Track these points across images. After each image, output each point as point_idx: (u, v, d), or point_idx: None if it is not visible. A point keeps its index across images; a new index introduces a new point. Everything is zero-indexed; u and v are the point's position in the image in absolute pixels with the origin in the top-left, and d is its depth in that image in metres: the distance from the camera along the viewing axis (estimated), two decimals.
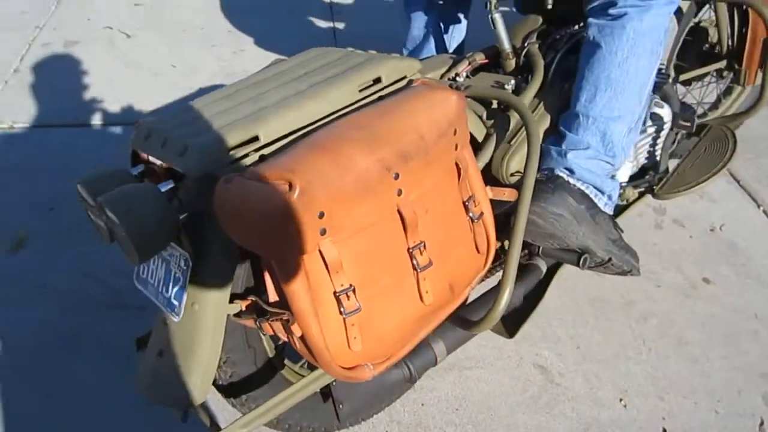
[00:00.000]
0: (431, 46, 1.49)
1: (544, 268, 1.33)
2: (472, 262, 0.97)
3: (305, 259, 0.77)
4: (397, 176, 0.81)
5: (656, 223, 1.82)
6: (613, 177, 1.23)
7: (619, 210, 1.57)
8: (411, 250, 0.86)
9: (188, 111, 0.90)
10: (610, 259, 1.18)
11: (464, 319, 1.06)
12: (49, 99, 2.16)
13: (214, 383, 1.01)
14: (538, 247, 1.23)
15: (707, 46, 1.83)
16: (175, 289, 0.86)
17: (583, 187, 1.15)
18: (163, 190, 0.81)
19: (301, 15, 2.83)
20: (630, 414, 1.32)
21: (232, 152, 0.81)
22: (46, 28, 2.60)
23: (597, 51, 1.17)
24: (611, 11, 1.17)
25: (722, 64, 1.79)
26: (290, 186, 0.72)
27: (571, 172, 1.15)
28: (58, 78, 2.28)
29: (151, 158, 0.86)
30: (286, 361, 1.10)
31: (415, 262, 0.86)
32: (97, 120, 2.06)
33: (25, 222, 1.68)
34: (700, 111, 1.94)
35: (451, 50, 1.53)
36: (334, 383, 1.03)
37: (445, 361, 1.37)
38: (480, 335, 1.42)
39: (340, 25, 2.77)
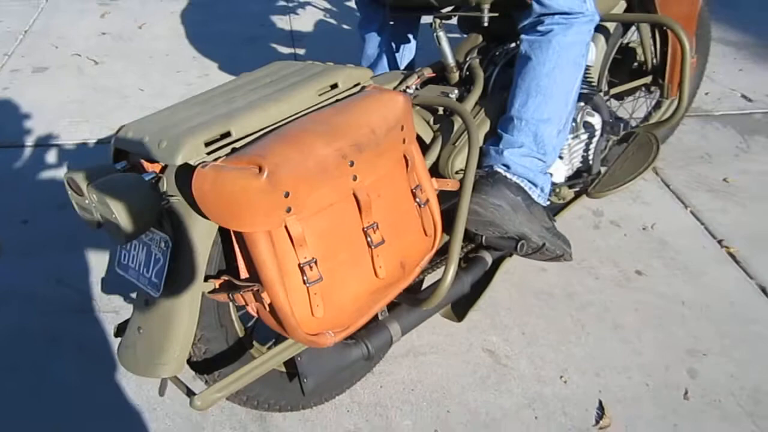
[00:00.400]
0: (384, 63, 1.64)
1: (489, 260, 1.47)
2: (421, 243, 1.10)
3: (273, 234, 0.89)
4: (352, 164, 0.94)
5: (595, 224, 1.98)
6: (545, 172, 1.38)
7: (559, 208, 1.73)
8: (365, 229, 0.99)
9: (166, 113, 1.02)
10: (544, 245, 1.32)
11: (415, 298, 1.19)
12: (20, 120, 2.25)
13: (189, 360, 1.11)
14: (482, 237, 1.36)
15: (636, 64, 2.02)
16: (156, 268, 0.97)
17: (518, 181, 1.30)
18: (146, 179, 0.93)
19: (263, 42, 2.97)
20: (570, 389, 1.46)
21: (207, 146, 0.93)
22: (15, 55, 2.68)
23: (528, 63, 1.34)
24: (539, 28, 1.34)
25: (648, 79, 1.98)
26: (260, 169, 0.85)
27: (507, 167, 1.30)
28: (28, 100, 2.37)
29: (132, 154, 0.98)
30: (254, 342, 1.21)
31: (369, 239, 0.99)
32: (68, 139, 2.15)
33: (0, 234, 1.75)
34: (634, 123, 2.14)
35: (402, 67, 1.68)
36: (299, 358, 1.13)
37: (402, 348, 1.50)
38: (433, 323, 1.56)
39: (301, 51, 2.92)
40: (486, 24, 1.36)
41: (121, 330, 1.13)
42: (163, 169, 0.97)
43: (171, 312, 0.98)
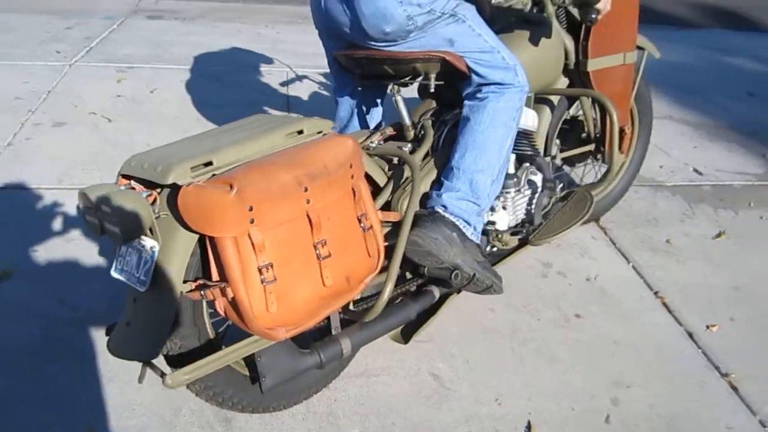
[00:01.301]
0: (355, 123, 1.92)
1: (437, 294, 1.70)
2: (365, 261, 1.33)
3: (238, 240, 1.12)
4: (306, 189, 1.19)
5: (543, 274, 2.21)
6: (479, 215, 1.62)
7: (505, 254, 1.97)
8: (316, 244, 1.22)
9: (163, 148, 1.28)
10: (474, 275, 1.55)
11: (359, 312, 1.41)
12: (38, 166, 2.52)
13: (166, 355, 1.32)
14: (425, 268, 1.59)
15: (584, 134, 2.31)
16: (144, 269, 1.20)
17: (454, 220, 1.54)
18: (143, 195, 1.17)
19: (260, 107, 3.29)
20: (503, 410, 1.64)
21: (192, 170, 1.18)
22: (38, 111, 2.99)
23: (468, 123, 1.61)
24: (478, 95, 1.62)
25: (591, 147, 2.26)
26: (231, 187, 1.10)
27: (445, 208, 1.55)
28: (47, 150, 2.65)
29: (134, 178, 1.23)
30: (223, 345, 1.41)
31: (318, 252, 1.23)
32: (80, 183, 2.41)
33: (13, 261, 1.99)
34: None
35: (371, 126, 1.96)
36: (259, 358, 1.34)
37: (356, 369, 1.70)
38: (386, 350, 1.77)
39: (295, 115, 3.23)
40: (432, 90, 1.65)
41: (110, 329, 1.34)
42: (161, 191, 1.22)
43: (154, 305, 1.20)
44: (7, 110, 2.96)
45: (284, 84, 3.65)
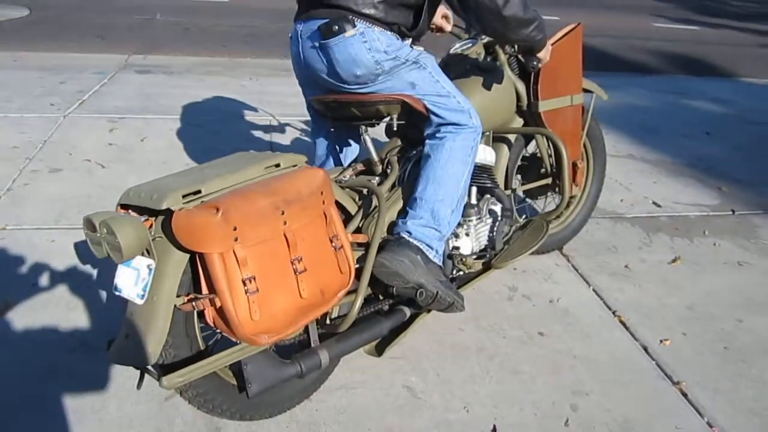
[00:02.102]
0: (331, 161, 2.12)
1: (408, 313, 1.86)
2: (337, 277, 1.51)
3: (225, 256, 1.29)
4: (283, 212, 1.37)
5: (509, 297, 2.38)
6: (441, 240, 1.80)
7: (470, 278, 2.14)
8: (292, 260, 1.40)
9: (155, 180, 1.45)
10: (437, 293, 1.72)
11: (333, 324, 1.58)
12: (36, 208, 2.69)
13: (161, 364, 1.46)
14: (393, 288, 1.76)
15: (543, 169, 2.52)
16: (141, 284, 1.36)
17: (418, 244, 1.72)
18: (141, 220, 1.34)
19: (245, 146, 3.49)
20: (471, 416, 1.79)
21: (184, 198, 1.35)
22: (35, 159, 3.17)
23: (429, 159, 1.81)
24: (437, 135, 1.83)
25: (549, 180, 2.47)
26: (217, 210, 1.27)
27: (410, 234, 1.73)
28: (44, 194, 2.82)
29: (132, 206, 1.40)
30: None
31: (295, 267, 1.40)
32: (75, 223, 2.57)
33: (13, 293, 2.13)
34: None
35: (346, 164, 2.15)
36: (245, 366, 1.49)
37: (335, 383, 1.85)
38: (363, 366, 1.92)
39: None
40: (396, 129, 1.85)
41: (110, 343, 1.49)
42: (156, 218, 1.39)
43: (150, 316, 1.35)
44: (6, 159, 3.13)
45: (267, 131, 3.86)
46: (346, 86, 1.78)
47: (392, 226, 1.82)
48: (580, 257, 2.70)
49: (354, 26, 1.65)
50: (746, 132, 4.58)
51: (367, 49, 1.68)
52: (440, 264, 1.79)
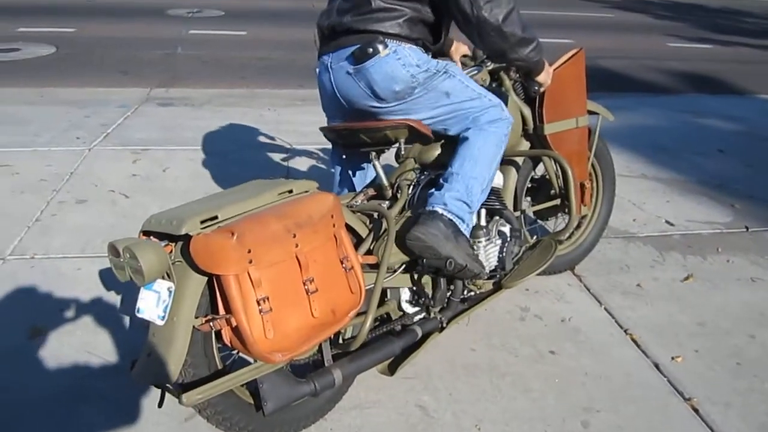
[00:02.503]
0: (346, 186, 2.20)
1: (419, 333, 1.92)
2: (348, 297, 1.57)
3: (240, 277, 1.36)
4: (295, 235, 1.45)
5: (521, 317, 2.42)
6: (470, 213, 1.89)
7: (482, 297, 2.19)
8: (304, 281, 1.46)
9: (175, 207, 1.54)
10: (466, 265, 1.81)
11: (346, 344, 1.64)
12: (63, 238, 2.80)
13: (180, 383, 1.53)
14: (424, 260, 1.82)
15: (553, 191, 2.57)
16: (162, 306, 1.43)
17: (451, 217, 1.82)
18: (161, 245, 1.43)
19: (263, 174, 3.59)
20: None
21: (202, 223, 1.43)
22: (61, 191, 3.30)
23: (466, 141, 1.92)
24: (475, 126, 1.92)
25: (557, 202, 2.52)
26: (232, 233, 1.35)
27: (445, 205, 1.82)
28: (71, 224, 2.93)
29: (153, 233, 1.48)
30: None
31: (307, 288, 1.47)
32: (101, 252, 2.67)
33: (42, 319, 2.22)
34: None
35: (359, 188, 2.22)
36: (261, 385, 1.55)
37: (349, 402, 1.90)
38: (377, 386, 1.97)
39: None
40: (403, 152, 1.93)
41: (133, 363, 1.56)
42: (176, 243, 1.47)
43: (170, 337, 1.43)
44: (34, 191, 3.26)
45: (285, 159, 3.97)
46: (385, 105, 1.88)
47: (401, 245, 1.87)
48: (592, 277, 2.73)
49: (386, 46, 1.79)
50: (759, 148, 4.58)
51: (402, 65, 1.80)
52: (468, 236, 1.89)
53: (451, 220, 1.83)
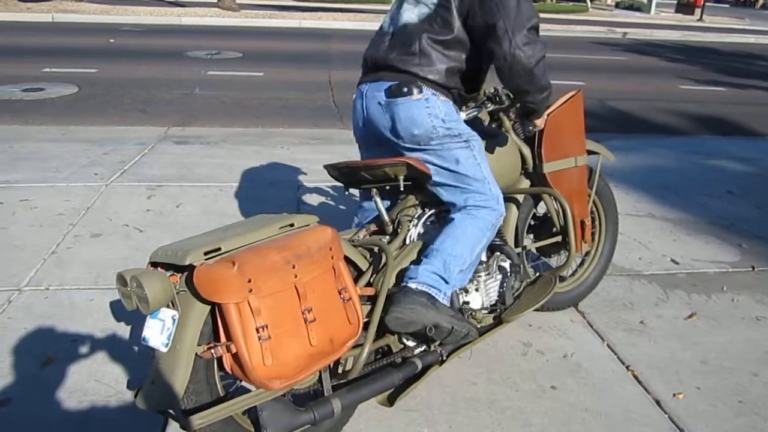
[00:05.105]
0: (355, 221, 2.27)
1: (419, 365, 1.95)
2: (346, 327, 1.61)
3: (240, 306, 1.42)
4: (294, 266, 1.50)
5: (523, 352, 2.44)
6: (447, 287, 1.91)
7: (482, 332, 2.21)
8: (303, 310, 1.52)
9: (182, 240, 1.61)
10: (453, 327, 1.83)
11: (345, 374, 1.67)
12: (77, 270, 2.88)
13: (183, 409, 1.57)
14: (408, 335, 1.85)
15: (554, 228, 2.61)
16: (166, 334, 1.49)
17: (424, 288, 1.84)
18: (167, 275, 1.49)
19: (272, 210, 3.66)
20: None
21: (205, 255, 1.50)
22: (78, 225, 3.40)
23: (453, 221, 1.97)
24: (464, 208, 1.97)
25: (559, 238, 2.56)
26: (233, 264, 1.41)
27: (417, 279, 1.86)
28: (85, 257, 3.02)
29: (160, 264, 1.55)
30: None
31: (305, 317, 1.52)
32: (113, 284, 2.75)
33: (54, 348, 2.29)
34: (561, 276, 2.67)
35: (365, 223, 2.28)
36: (261, 413, 1.59)
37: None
38: (378, 418, 2.00)
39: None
40: (402, 189, 1.99)
41: (138, 390, 1.61)
42: (181, 273, 1.54)
43: (173, 363, 1.48)
44: (52, 224, 3.37)
45: (295, 195, 4.05)
46: (402, 143, 1.96)
47: (401, 278, 1.93)
48: (595, 313, 2.75)
49: (421, 91, 1.88)
50: None
51: (428, 114, 1.89)
52: (447, 304, 1.91)
53: (425, 291, 1.87)
